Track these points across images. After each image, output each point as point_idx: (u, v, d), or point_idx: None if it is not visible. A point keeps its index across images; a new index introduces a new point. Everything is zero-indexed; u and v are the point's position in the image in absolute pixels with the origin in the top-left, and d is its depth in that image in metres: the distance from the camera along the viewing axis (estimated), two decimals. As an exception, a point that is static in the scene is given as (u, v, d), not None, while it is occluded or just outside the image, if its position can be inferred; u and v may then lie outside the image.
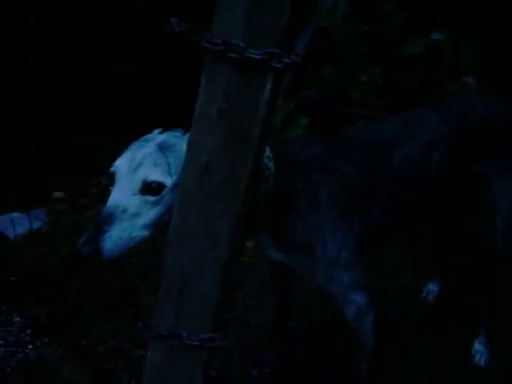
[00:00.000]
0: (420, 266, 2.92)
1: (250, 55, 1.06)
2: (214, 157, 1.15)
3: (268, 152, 1.57)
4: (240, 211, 1.17)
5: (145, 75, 4.08)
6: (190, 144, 1.17)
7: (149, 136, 1.55)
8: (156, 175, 1.38)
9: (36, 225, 3.03)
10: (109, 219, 1.33)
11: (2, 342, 2.34)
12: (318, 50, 3.40)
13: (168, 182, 1.39)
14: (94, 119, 3.74)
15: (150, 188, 1.38)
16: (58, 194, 3.40)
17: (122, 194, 1.38)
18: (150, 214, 1.39)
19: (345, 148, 1.82)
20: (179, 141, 1.48)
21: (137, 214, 1.37)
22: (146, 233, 1.39)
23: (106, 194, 3.31)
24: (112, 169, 1.45)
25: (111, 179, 1.44)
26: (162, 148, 1.45)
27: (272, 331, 2.32)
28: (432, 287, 2.81)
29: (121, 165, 1.43)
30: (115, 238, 1.32)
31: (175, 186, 1.39)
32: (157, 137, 1.51)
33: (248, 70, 1.09)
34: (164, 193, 1.39)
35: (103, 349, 2.38)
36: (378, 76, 3.16)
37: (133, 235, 1.36)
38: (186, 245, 1.22)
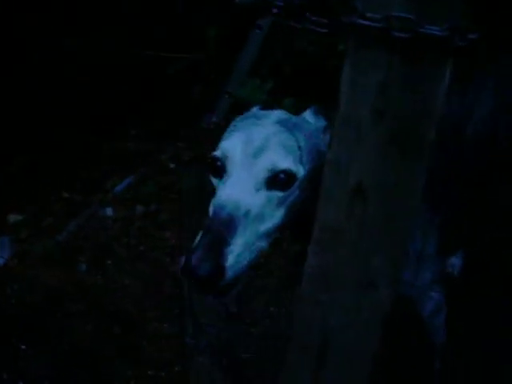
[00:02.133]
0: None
1: (428, 31, 0.76)
2: (368, 175, 0.85)
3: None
4: (404, 243, 0.88)
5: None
6: (330, 162, 0.86)
7: (254, 111, 1.19)
8: (288, 162, 1.04)
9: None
10: (229, 224, 0.97)
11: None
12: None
13: (300, 172, 1.06)
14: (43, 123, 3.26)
15: (277, 180, 1.04)
16: (15, 218, 2.92)
17: (241, 189, 1.02)
18: (274, 218, 1.05)
19: None
20: (301, 120, 1.16)
21: (261, 217, 1.03)
22: (264, 245, 1.05)
23: (72, 209, 2.93)
24: (219, 153, 1.08)
25: (218, 168, 1.08)
26: (288, 126, 1.09)
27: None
28: (455, 260, 2.65)
29: (233, 147, 1.06)
30: (239, 251, 0.97)
31: (307, 179, 1.08)
32: (268, 113, 1.15)
33: (420, 53, 0.79)
34: (294, 187, 1.07)
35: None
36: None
37: (253, 248, 1.01)
38: (330, 291, 0.92)
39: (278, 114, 1.15)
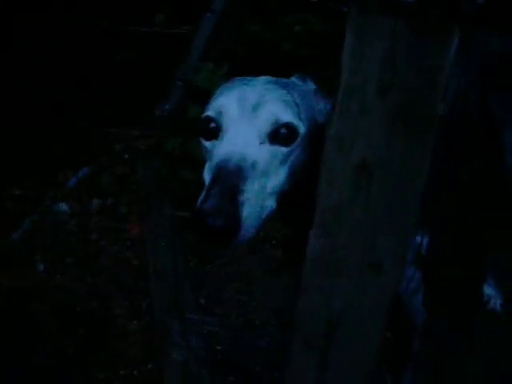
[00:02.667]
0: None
1: (435, -5, 0.71)
2: (373, 152, 0.80)
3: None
4: (412, 223, 0.84)
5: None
6: (332, 140, 0.81)
7: (239, 78, 1.11)
8: (289, 116, 0.98)
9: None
10: (239, 174, 0.90)
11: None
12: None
13: (301, 127, 1.01)
14: None
15: (280, 134, 0.99)
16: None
17: (244, 141, 0.95)
18: (279, 176, 0.99)
19: None
20: (290, 82, 1.11)
21: (267, 173, 0.96)
22: (272, 204, 0.97)
23: (25, 206, 2.78)
24: (211, 112, 1.00)
25: (212, 129, 1.00)
26: (282, 84, 1.04)
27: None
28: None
29: (228, 103, 0.99)
30: (253, 200, 0.89)
31: (305, 137, 1.02)
32: (255, 78, 1.09)
33: (426, 20, 0.74)
34: (296, 144, 1.01)
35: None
36: (315, 24, 2.87)
37: (264, 205, 0.94)
38: (334, 276, 0.87)
39: (265, 77, 1.10)
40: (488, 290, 2.32)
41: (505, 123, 2.02)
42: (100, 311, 2.15)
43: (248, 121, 0.97)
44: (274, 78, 1.10)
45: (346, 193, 0.82)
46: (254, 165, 0.93)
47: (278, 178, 0.99)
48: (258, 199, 0.91)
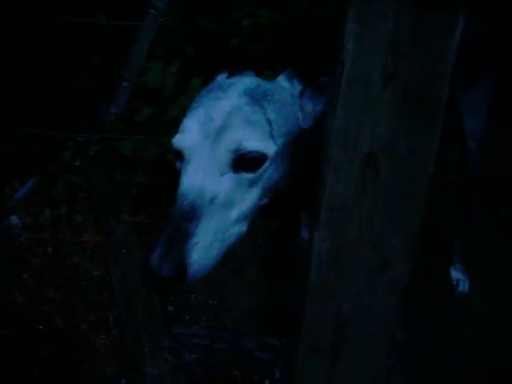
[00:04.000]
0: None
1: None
2: (380, 143, 0.76)
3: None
4: (420, 216, 0.80)
5: None
6: (337, 131, 0.76)
7: (220, 80, 1.06)
8: (253, 141, 0.92)
9: None
10: (192, 215, 0.88)
11: None
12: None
13: (271, 149, 0.96)
14: None
15: (244, 161, 0.94)
16: None
17: (205, 174, 0.92)
18: (248, 200, 0.96)
19: None
20: (273, 87, 1.04)
21: (230, 203, 0.93)
22: (243, 228, 0.96)
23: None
24: (178, 139, 0.97)
25: (179, 153, 0.97)
26: (256, 97, 0.98)
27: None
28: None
29: (190, 135, 0.96)
30: (205, 242, 0.88)
31: (279, 154, 0.97)
32: (236, 82, 1.03)
33: (431, 2, 0.70)
34: (265, 166, 0.96)
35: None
36: (262, 17, 2.82)
37: (227, 235, 0.93)
38: (343, 277, 0.82)
39: (247, 81, 1.04)
40: (455, 273, 2.34)
41: (465, 111, 2.04)
42: (65, 328, 2.03)
43: (209, 150, 0.93)
44: (255, 84, 1.03)
45: (353, 188, 0.77)
46: (212, 200, 0.91)
47: (246, 203, 0.96)
48: (216, 235, 0.90)
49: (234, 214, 0.94)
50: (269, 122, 0.98)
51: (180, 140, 0.98)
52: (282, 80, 1.11)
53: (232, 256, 2.46)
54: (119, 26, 3.22)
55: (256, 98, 0.99)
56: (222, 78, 1.08)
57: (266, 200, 1.01)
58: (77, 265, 2.34)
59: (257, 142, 0.94)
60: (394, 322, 0.85)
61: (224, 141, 0.93)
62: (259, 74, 2.92)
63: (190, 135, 0.97)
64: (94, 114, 3.31)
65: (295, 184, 1.05)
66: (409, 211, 0.79)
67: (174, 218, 0.89)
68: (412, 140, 0.75)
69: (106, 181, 2.77)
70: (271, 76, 2.69)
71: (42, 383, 1.85)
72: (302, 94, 1.08)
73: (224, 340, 0.96)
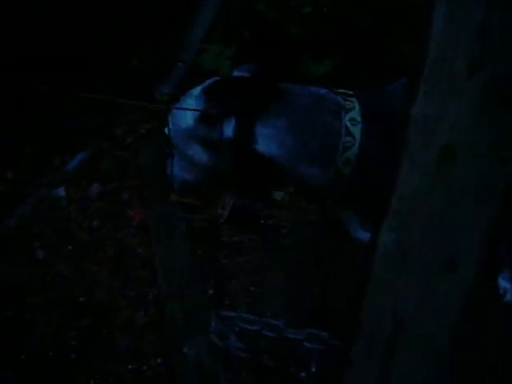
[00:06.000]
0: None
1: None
2: (460, 135, 0.71)
3: (355, 112, 1.17)
4: (493, 217, 0.75)
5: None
6: (415, 119, 0.71)
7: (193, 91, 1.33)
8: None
9: None
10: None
11: None
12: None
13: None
14: None
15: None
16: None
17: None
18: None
19: None
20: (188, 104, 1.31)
21: None
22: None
23: (19, 191, 2.64)
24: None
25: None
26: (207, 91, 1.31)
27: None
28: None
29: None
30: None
31: None
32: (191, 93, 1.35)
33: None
34: None
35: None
36: (325, 5, 2.76)
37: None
38: (406, 272, 0.78)
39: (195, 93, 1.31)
40: (503, 282, 2.26)
41: None
42: (103, 302, 2.04)
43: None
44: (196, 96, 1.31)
45: (428, 179, 0.73)
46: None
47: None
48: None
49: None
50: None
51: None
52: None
53: (280, 244, 2.44)
54: (180, 5, 3.21)
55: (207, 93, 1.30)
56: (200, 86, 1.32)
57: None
58: (121, 240, 2.35)
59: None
60: (456, 325, 0.81)
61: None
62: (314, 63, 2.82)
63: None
64: (148, 92, 3.32)
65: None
66: (482, 210, 0.74)
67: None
68: (493, 135, 0.70)
69: (155, 159, 2.77)
70: (329, 65, 2.61)
71: (77, 353, 1.86)
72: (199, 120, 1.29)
73: (274, 327, 0.93)
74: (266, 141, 1.21)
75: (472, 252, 0.76)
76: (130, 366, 1.84)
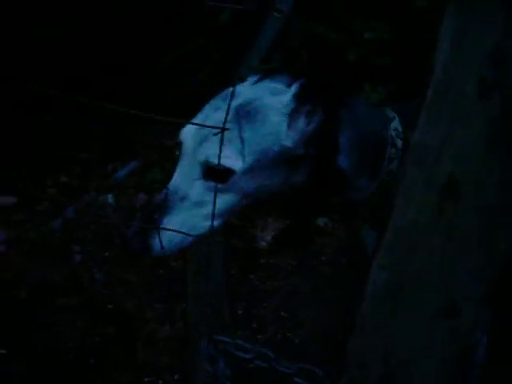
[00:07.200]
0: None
1: None
2: (467, 165, 0.64)
3: (396, 123, 1.14)
4: (502, 257, 0.68)
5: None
6: (416, 147, 0.65)
7: (229, 90, 1.15)
8: (222, 157, 0.99)
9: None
10: (164, 207, 1.07)
11: None
12: None
13: (238, 165, 1.07)
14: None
15: (214, 172, 1.06)
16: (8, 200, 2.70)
17: (184, 176, 1.10)
18: (220, 203, 1.06)
19: None
20: (272, 101, 1.10)
21: (200, 203, 1.09)
22: (216, 224, 1.07)
23: (69, 194, 2.72)
24: (180, 137, 1.15)
25: (180, 150, 1.15)
26: (240, 114, 1.08)
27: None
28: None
29: (186, 135, 1.13)
30: (169, 232, 1.05)
31: (249, 170, 1.09)
32: (239, 93, 1.12)
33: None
34: (233, 180, 1.08)
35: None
36: (386, 32, 2.70)
37: (196, 227, 1.08)
38: (399, 316, 0.71)
39: (247, 94, 1.12)
40: None
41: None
42: (132, 311, 2.04)
43: (191, 156, 1.10)
44: (246, 100, 1.11)
45: (426, 214, 0.66)
46: (183, 197, 1.08)
47: (220, 204, 1.05)
48: (183, 225, 1.07)
49: (204, 211, 1.08)
50: (242, 140, 1.07)
51: (181, 139, 1.14)
52: (283, 91, 1.13)
53: (315, 273, 2.37)
54: (241, 25, 3.23)
55: (240, 115, 1.08)
56: (236, 87, 1.15)
57: (246, 202, 1.13)
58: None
59: (225, 158, 1.02)
60: (452, 378, 0.73)
61: (199, 152, 1.07)
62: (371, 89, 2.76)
63: (186, 139, 1.12)
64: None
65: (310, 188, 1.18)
66: (490, 250, 0.67)
67: (150, 206, 1.13)
68: (505, 167, 0.63)
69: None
70: (384, 93, 2.55)
71: (97, 359, 1.86)
72: (295, 110, 1.10)
73: (267, 358, 0.89)
74: (343, 153, 1.16)
75: (476, 297, 0.69)
76: (146, 379, 1.81)
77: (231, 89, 1.14)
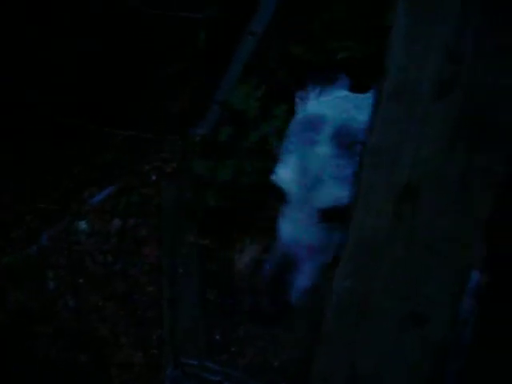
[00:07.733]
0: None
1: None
2: (426, 166, 0.62)
3: None
4: (468, 264, 0.65)
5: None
6: (371, 151, 0.63)
7: (307, 116, 1.20)
8: (346, 197, 0.95)
9: None
10: (289, 263, 1.04)
11: None
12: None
13: (346, 196, 0.99)
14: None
15: (336, 212, 1.02)
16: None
17: (299, 224, 1.05)
18: (333, 243, 0.99)
19: None
20: (360, 124, 1.04)
21: (320, 249, 1.04)
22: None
23: (46, 220, 2.66)
24: (276, 179, 1.15)
25: (279, 194, 1.12)
26: (342, 143, 1.05)
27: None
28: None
29: (288, 179, 1.12)
30: (303, 284, 1.07)
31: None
32: (324, 116, 1.14)
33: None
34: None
35: None
36: (359, 51, 2.71)
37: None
38: (366, 326, 0.68)
39: (336, 117, 1.12)
40: None
41: None
42: (106, 338, 1.98)
43: (303, 201, 1.05)
44: (342, 122, 1.10)
45: (385, 221, 0.64)
46: (306, 247, 1.05)
47: (332, 246, 0.98)
48: (311, 277, 1.06)
49: (323, 257, 1.04)
50: (353, 174, 1.00)
51: (281, 183, 1.14)
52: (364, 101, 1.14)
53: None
54: (215, 48, 3.23)
55: (345, 145, 1.05)
56: (310, 106, 1.22)
57: None
58: (133, 277, 2.30)
59: (341, 194, 1.01)
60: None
61: (320, 195, 1.03)
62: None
63: (289, 183, 1.11)
64: (184, 134, 3.32)
65: None
66: (454, 257, 0.64)
67: (274, 269, 1.11)
68: (466, 169, 0.61)
69: (176, 199, 2.73)
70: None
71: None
72: None
73: (235, 379, 0.85)
74: None
75: (442, 304, 0.66)
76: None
77: (306, 113, 1.13)
